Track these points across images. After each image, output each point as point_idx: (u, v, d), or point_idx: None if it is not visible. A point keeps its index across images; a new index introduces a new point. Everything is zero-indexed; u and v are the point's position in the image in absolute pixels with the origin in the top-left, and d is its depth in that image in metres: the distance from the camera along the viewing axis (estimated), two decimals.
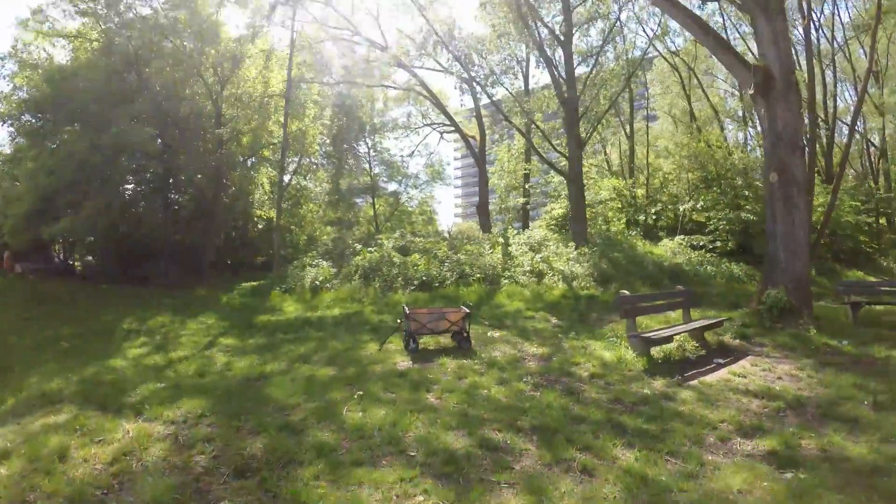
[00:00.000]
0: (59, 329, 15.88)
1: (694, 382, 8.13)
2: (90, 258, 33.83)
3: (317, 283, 19.32)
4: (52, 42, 28.78)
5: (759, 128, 21.34)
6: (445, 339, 11.13)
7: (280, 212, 26.56)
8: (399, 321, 11.24)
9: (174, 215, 30.03)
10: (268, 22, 27.92)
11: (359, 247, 22.16)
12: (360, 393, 7.60)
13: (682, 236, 25.42)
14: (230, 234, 34.27)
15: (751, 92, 13.43)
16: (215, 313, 17.27)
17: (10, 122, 27.12)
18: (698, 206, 27.76)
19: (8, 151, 31.26)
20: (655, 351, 9.51)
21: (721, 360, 9.35)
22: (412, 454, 5.55)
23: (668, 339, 9.42)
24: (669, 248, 23.46)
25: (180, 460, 5.48)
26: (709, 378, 8.35)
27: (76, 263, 34.25)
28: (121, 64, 26.50)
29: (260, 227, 35.65)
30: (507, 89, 28.75)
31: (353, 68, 31.55)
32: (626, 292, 10.73)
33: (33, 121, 27.54)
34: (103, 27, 27.11)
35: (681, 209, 28.66)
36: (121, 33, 26.47)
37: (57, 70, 26.59)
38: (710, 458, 5.49)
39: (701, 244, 24.65)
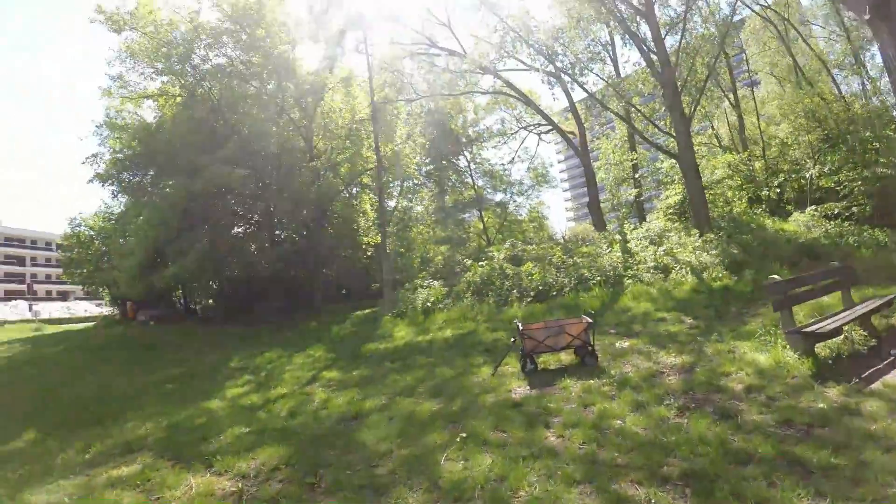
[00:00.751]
0: (165, 372, 15.78)
1: (876, 386, 6.46)
2: (210, 302, 34.98)
3: (428, 304, 18.48)
4: (137, 104, 30.48)
5: (882, 64, 18.56)
6: (568, 356, 9.90)
7: (384, 235, 26.18)
8: (512, 340, 10.05)
9: (279, 252, 30.42)
10: (341, 50, 27.99)
11: (468, 262, 21.16)
12: (464, 435, 6.49)
13: (812, 207, 23.06)
14: (341, 264, 34.18)
15: (867, 17, 11.25)
16: (324, 345, 16.73)
17: (110, 182, 28.65)
18: (825, 169, 25.09)
19: (117, 211, 33.27)
20: (819, 347, 7.84)
21: None
22: None
23: (837, 332, 7.67)
24: (801, 223, 21.24)
25: None
26: (894, 378, 6.64)
27: (196, 307, 35.57)
28: (205, 112, 27.37)
29: (369, 254, 35.49)
30: (597, 75, 27.03)
31: (435, 81, 30.82)
32: (777, 277, 8.90)
33: (130, 177, 29.38)
34: (182, 82, 28.15)
35: (806, 176, 26.03)
36: (201, 84, 27.50)
37: (142, 127, 28.48)
38: None
39: (836, 213, 22.21)
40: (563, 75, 26.81)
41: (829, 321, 7.87)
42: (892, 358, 7.33)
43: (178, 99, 29.14)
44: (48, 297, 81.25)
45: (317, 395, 10.15)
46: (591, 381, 8.05)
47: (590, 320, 9.53)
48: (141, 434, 8.61)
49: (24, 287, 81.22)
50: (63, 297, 73.72)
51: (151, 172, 29.14)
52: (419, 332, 15.83)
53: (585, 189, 32.50)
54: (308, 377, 12.25)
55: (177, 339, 22.90)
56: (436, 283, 20.61)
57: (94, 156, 28.81)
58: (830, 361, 7.46)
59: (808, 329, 7.54)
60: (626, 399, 7.07)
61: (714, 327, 10.71)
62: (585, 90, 25.90)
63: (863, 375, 6.81)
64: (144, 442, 8.12)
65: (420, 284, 21.10)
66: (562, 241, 25.30)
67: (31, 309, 54.80)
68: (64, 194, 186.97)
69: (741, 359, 8.12)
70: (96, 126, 30.38)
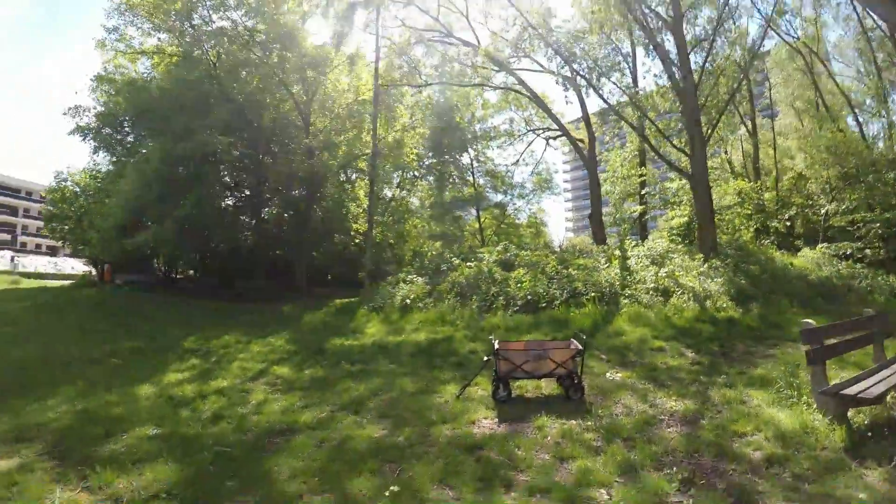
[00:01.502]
0: (117, 343, 14.46)
1: None
2: (193, 273, 33.82)
3: (407, 301, 17.09)
4: (132, 59, 29.39)
5: None
6: (549, 383, 8.56)
7: (372, 223, 24.88)
8: (486, 358, 8.57)
9: (265, 228, 29.19)
10: (350, 26, 26.47)
11: (456, 261, 19.70)
12: (396, 489, 5.06)
13: (824, 244, 22.37)
14: (329, 249, 32.89)
15: None
16: (289, 333, 15.40)
17: (90, 135, 27.02)
18: (842, 207, 24.24)
19: (104, 170, 31.90)
20: (852, 412, 6.45)
21: None
22: None
23: (880, 399, 6.19)
24: (811, 259, 20.38)
25: None
26: None
27: (178, 277, 34.41)
28: (200, 75, 25.99)
29: (358, 241, 34.18)
30: (615, 84, 25.62)
31: (445, 70, 29.46)
32: (812, 322, 7.33)
33: (113, 133, 27.67)
34: (180, 41, 27.05)
35: (822, 212, 25.04)
36: (199, 45, 26.39)
37: (129, 82, 27.05)
38: None
39: (848, 253, 21.51)
40: (579, 80, 25.50)
41: (870, 382, 6.38)
42: None
43: (175, 59, 27.82)
44: (37, 250, 79.36)
45: (254, 396, 8.92)
46: (573, 423, 6.70)
47: (579, 346, 8.19)
48: (44, 420, 7.61)
49: (16, 238, 79.61)
50: (52, 252, 72.09)
51: (133, 130, 27.72)
52: (392, 330, 14.56)
53: (587, 201, 31.42)
54: (256, 370, 10.97)
55: (146, 307, 21.71)
56: (420, 279, 19.21)
57: (77, 107, 27.27)
58: (863, 430, 6.08)
59: (848, 391, 6.08)
60: (614, 457, 5.65)
61: (720, 366, 9.41)
62: (602, 97, 24.52)
63: None
64: (43, 430, 7.18)
65: (403, 279, 19.75)
66: (558, 250, 23.90)
67: (13, 261, 53.36)
68: (65, 146, 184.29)
69: (757, 415, 6.73)
70: (91, 79, 28.85)
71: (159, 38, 28.06)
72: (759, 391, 7.70)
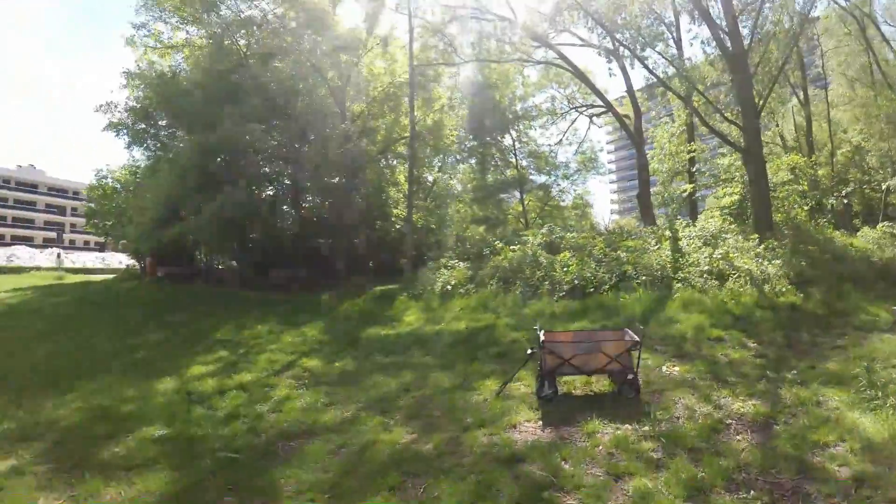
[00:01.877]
0: (147, 336, 14.29)
1: None
2: (234, 263, 33.80)
3: (448, 287, 16.38)
4: (163, 55, 29.20)
5: None
6: (600, 379, 7.70)
7: (412, 208, 24.18)
8: (530, 351, 7.61)
9: (303, 218, 28.77)
10: (381, 6, 25.73)
11: (499, 245, 18.78)
12: None
13: (886, 223, 20.77)
14: (370, 235, 32.35)
15: None
16: (324, 323, 14.84)
17: (124, 131, 27.00)
18: None
19: (142, 166, 32.14)
20: None
21: None
22: None
23: None
24: (872, 239, 18.82)
25: None
26: None
27: (219, 267, 34.47)
28: (230, 65, 25.70)
29: (398, 227, 33.56)
30: (660, 54, 24.24)
31: (482, 47, 28.40)
32: None
33: (145, 128, 27.72)
34: (208, 32, 26.63)
35: (882, 187, 23.48)
36: (228, 35, 25.92)
37: (158, 75, 26.92)
38: None
39: None
40: (622, 51, 24.34)
41: None
42: None
43: (205, 51, 27.45)
44: (86, 247, 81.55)
45: (277, 392, 8.40)
46: (628, 428, 5.89)
47: (636, 338, 7.29)
48: (54, 417, 7.41)
49: (62, 236, 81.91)
50: (101, 247, 73.85)
51: (165, 123, 27.62)
52: (431, 319, 13.91)
53: (632, 182, 30.28)
54: (284, 363, 10.48)
55: (184, 299, 21.72)
56: (461, 264, 18.43)
57: (109, 104, 27.07)
58: None
59: None
60: (678, 474, 4.80)
61: (787, 359, 8.47)
62: (647, 68, 23.23)
63: None
64: (49, 428, 6.97)
65: (444, 265, 18.99)
66: (605, 232, 22.82)
67: (59, 257, 54.89)
68: (108, 145, 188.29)
69: (838, 420, 5.85)
70: (121, 74, 28.77)
71: (187, 32, 27.82)
72: (836, 390, 6.81)
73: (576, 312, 12.28)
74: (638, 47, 22.98)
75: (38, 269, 48.17)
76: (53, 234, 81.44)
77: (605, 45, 24.58)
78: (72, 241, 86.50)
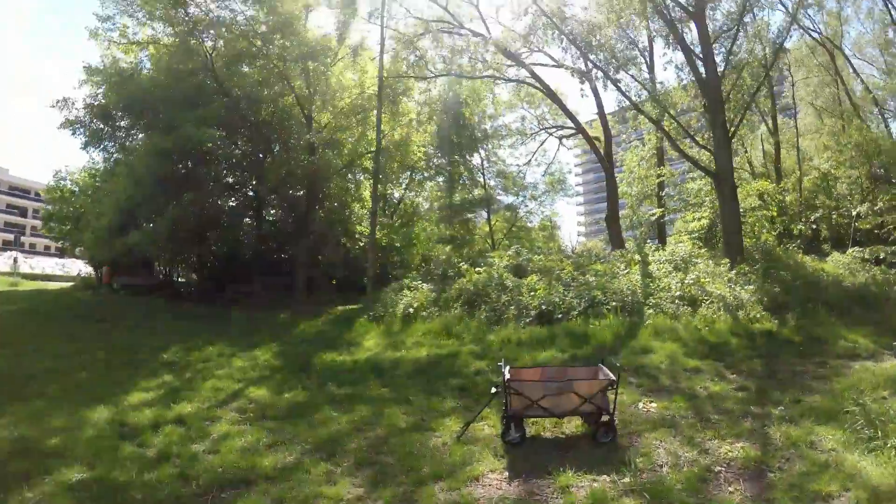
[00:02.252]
0: (93, 353, 13.37)
1: None
2: (193, 276, 32.77)
3: (410, 310, 15.70)
4: (125, 50, 28.02)
5: None
6: (571, 420, 7.07)
7: (375, 224, 23.52)
8: (494, 390, 6.95)
9: (264, 230, 28.04)
10: (353, 14, 25.23)
11: (465, 266, 18.21)
12: None
13: (855, 248, 20.95)
14: (332, 252, 31.61)
15: None
16: (277, 346, 14.07)
17: (80, 128, 25.80)
18: (875, 208, 23.27)
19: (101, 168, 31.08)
20: None
21: None
22: None
23: None
24: (843, 264, 19.05)
25: None
26: None
27: (178, 279, 33.39)
28: (194, 65, 24.92)
29: (362, 244, 32.84)
30: (633, 77, 24.22)
31: (454, 62, 28.04)
32: None
33: (103, 127, 26.43)
34: (175, 30, 25.71)
35: (852, 213, 23.86)
36: (194, 35, 25.06)
37: (116, 72, 25.84)
38: None
39: (881, 257, 20.33)
40: (595, 73, 24.29)
41: None
42: None
43: (170, 49, 26.47)
44: (46, 251, 79.19)
45: (218, 427, 7.59)
46: (606, 480, 5.30)
47: (611, 376, 6.71)
48: None
49: (20, 239, 79.39)
50: (61, 253, 71.76)
51: (125, 124, 26.52)
52: (391, 344, 13.22)
53: (600, 204, 30.20)
54: (230, 391, 9.70)
55: (138, 313, 20.62)
56: (425, 285, 17.80)
57: (66, 100, 25.61)
58: None
59: None
60: None
61: (769, 391, 8.07)
62: (620, 90, 23.22)
63: None
64: None
65: (408, 285, 18.30)
66: (572, 254, 22.44)
67: (15, 261, 52.85)
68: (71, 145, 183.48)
69: (837, 465, 5.35)
70: (83, 69, 27.47)
71: (153, 28, 26.75)
72: (828, 428, 6.33)
73: (543, 340, 11.72)
74: (611, 70, 23.06)
75: None
76: (11, 237, 78.72)
77: (578, 67, 24.52)
78: (32, 245, 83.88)
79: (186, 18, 25.02)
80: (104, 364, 12.35)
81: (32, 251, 77.64)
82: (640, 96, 24.98)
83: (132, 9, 25.04)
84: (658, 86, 27.53)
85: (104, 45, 26.95)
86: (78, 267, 54.16)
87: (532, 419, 6.89)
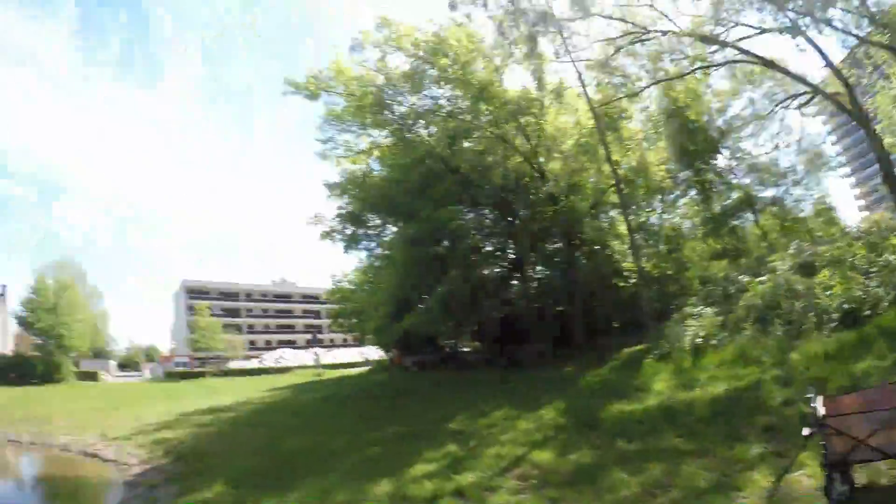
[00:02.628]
0: (384, 430, 14.41)
1: None
2: (477, 345, 34.40)
3: (698, 340, 14.46)
4: (353, 161, 30.75)
5: None
6: None
7: (638, 256, 22.91)
8: (807, 433, 5.61)
9: (528, 288, 29.45)
10: (538, 57, 24.94)
11: (744, 279, 16.45)
12: None
13: None
14: (605, 295, 30.85)
15: None
16: (563, 402, 13.62)
17: (337, 235, 29.60)
18: None
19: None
20: None
21: None
22: None
23: None
24: None
25: None
26: None
27: (463, 350, 35.20)
28: (418, 154, 26.81)
29: (632, 280, 31.71)
30: (843, 9, 20.77)
31: (657, 68, 26.67)
32: None
33: (355, 230, 30.73)
34: (390, 130, 28.25)
35: None
36: (410, 129, 27.63)
37: (351, 180, 29.67)
38: None
39: None
40: (801, 22, 21.57)
41: None
42: None
43: (392, 147, 29.07)
44: (344, 343, 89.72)
45: (496, 499, 7.61)
46: None
47: None
48: None
49: (319, 337, 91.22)
50: (358, 343, 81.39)
51: (374, 223, 30.25)
52: (682, 383, 12.12)
53: (871, 169, 25.75)
54: (513, 458, 9.63)
55: (427, 387, 22.46)
56: (708, 310, 16.31)
57: (317, 216, 30.53)
58: None
59: None
60: None
61: None
62: (836, 28, 21.15)
63: None
64: None
65: (690, 314, 16.93)
66: (861, 234, 19.12)
67: (316, 356, 62.81)
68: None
69: None
70: (326, 187, 31.60)
71: (370, 134, 29.34)
72: None
73: (855, 347, 9.72)
74: (817, 10, 20.43)
75: (302, 367, 56.64)
76: (310, 336, 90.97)
77: (781, 23, 22.08)
78: (331, 340, 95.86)
79: (395, 117, 27.30)
80: (394, 439, 13.12)
81: (332, 345, 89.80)
82: (862, 27, 21.34)
83: (345, 125, 28.12)
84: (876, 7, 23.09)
85: (334, 161, 30.40)
86: (374, 352, 60.59)
87: (860, 463, 5.48)
